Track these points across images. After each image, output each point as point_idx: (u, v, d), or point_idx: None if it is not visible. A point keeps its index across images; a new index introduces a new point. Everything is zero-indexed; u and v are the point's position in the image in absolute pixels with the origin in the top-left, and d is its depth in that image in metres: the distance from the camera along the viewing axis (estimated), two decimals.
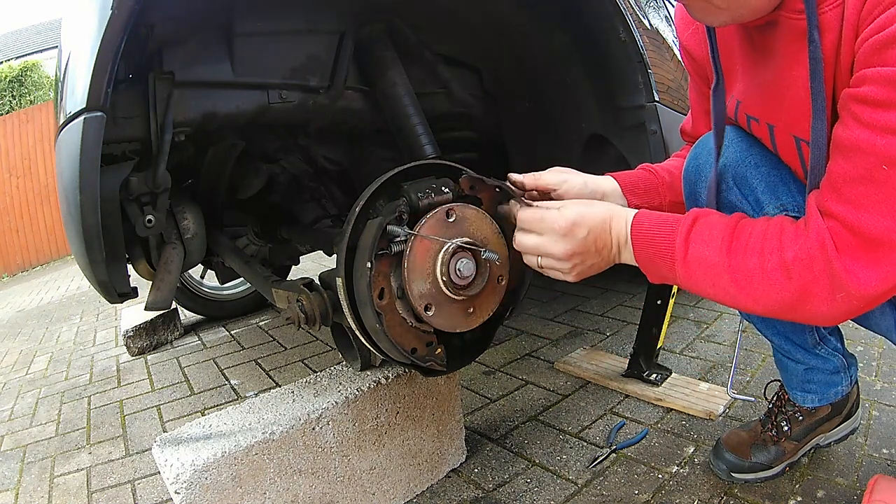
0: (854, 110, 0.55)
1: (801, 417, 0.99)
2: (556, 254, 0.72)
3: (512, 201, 0.80)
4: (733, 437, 1.02)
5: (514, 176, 0.83)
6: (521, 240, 0.76)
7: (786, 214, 0.75)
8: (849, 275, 0.56)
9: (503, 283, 0.87)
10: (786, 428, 0.99)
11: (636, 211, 0.73)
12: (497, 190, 0.84)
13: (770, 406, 1.04)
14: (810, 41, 0.59)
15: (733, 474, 0.99)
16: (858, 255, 0.56)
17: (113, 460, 1.40)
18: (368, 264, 0.76)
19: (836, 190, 0.58)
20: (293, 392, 1.01)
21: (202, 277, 2.51)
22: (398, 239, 0.77)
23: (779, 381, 1.04)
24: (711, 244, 0.65)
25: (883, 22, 0.52)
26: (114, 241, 1.02)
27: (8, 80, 8.79)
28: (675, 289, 1.36)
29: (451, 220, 0.80)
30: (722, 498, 0.97)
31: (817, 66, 0.59)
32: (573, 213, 0.72)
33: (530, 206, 0.76)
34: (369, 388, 1.00)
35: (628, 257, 0.73)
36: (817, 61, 0.59)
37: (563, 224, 0.71)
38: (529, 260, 0.77)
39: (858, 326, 0.82)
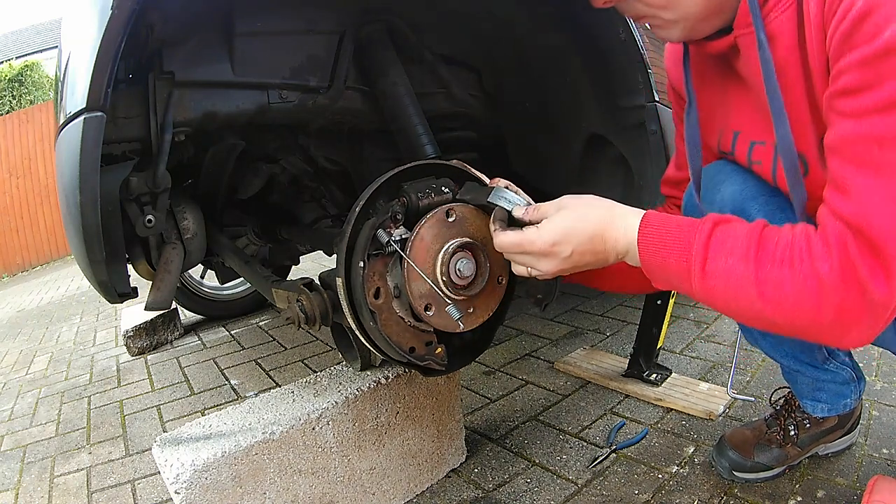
0: (836, 106, 0.54)
1: (808, 425, 1.00)
2: (543, 271, 0.70)
3: (491, 226, 0.75)
4: (737, 435, 1.03)
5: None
6: (505, 256, 0.74)
7: None
8: (874, 280, 0.51)
9: (503, 282, 0.87)
10: (792, 433, 1.00)
11: (641, 214, 0.67)
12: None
13: (778, 409, 1.04)
14: (759, 45, 0.58)
15: (735, 472, 0.99)
16: (871, 256, 0.52)
17: (113, 460, 1.40)
18: (361, 264, 0.77)
19: (839, 188, 0.55)
20: (293, 392, 1.01)
21: (202, 277, 2.51)
22: (388, 243, 0.77)
23: (787, 387, 1.04)
24: (734, 253, 0.58)
25: (845, 9, 0.51)
26: (114, 241, 1.02)
27: (8, 79, 8.78)
28: None
29: (450, 220, 0.80)
30: (722, 498, 0.97)
31: (768, 66, 0.58)
32: (553, 232, 0.67)
33: (519, 226, 0.72)
34: (369, 388, 1.00)
35: (633, 261, 0.68)
36: (767, 62, 0.58)
37: (541, 246, 0.68)
38: (518, 270, 0.74)
39: None
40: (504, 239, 0.71)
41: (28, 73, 8.99)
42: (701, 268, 0.60)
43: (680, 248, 0.62)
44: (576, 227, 0.67)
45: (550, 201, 0.71)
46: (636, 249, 0.65)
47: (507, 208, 0.74)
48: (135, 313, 2.38)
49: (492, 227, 0.75)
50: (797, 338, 0.62)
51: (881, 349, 1.38)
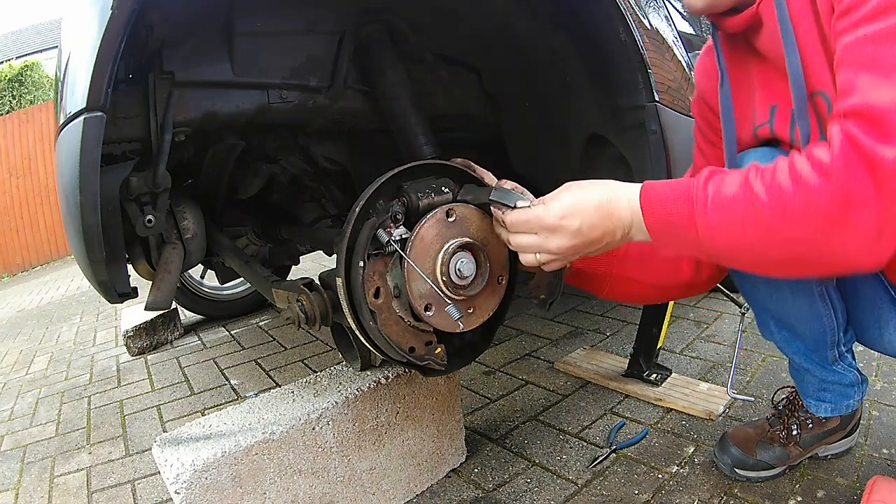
0: (837, 29, 0.59)
1: (811, 425, 1.00)
2: (552, 250, 0.70)
3: (496, 212, 0.77)
4: (740, 432, 1.03)
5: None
6: (514, 240, 0.75)
7: None
8: (878, 147, 0.52)
9: (503, 282, 0.87)
10: (795, 432, 1.00)
11: (638, 186, 0.68)
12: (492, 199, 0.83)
13: (782, 408, 1.05)
14: None
15: (737, 470, 1.00)
16: (873, 129, 0.53)
17: (113, 460, 1.40)
18: (361, 263, 0.77)
19: (842, 94, 0.57)
20: (293, 392, 1.01)
21: (202, 277, 2.51)
22: (388, 242, 0.77)
23: (790, 387, 1.04)
24: (733, 185, 0.60)
25: None
26: (114, 241, 1.02)
27: (8, 79, 8.77)
28: None
29: (451, 219, 0.80)
30: (722, 498, 0.97)
31: (782, 9, 0.66)
32: (560, 206, 0.69)
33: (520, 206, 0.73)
34: (369, 388, 1.00)
35: (639, 234, 0.69)
36: (781, 5, 0.66)
37: (550, 220, 0.69)
38: (527, 259, 0.74)
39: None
40: (514, 217, 0.72)
41: (28, 73, 8.98)
42: (703, 207, 0.61)
43: (681, 198, 0.64)
44: (582, 200, 0.69)
45: (553, 191, 0.73)
46: (640, 215, 0.67)
47: (511, 203, 0.74)
48: (135, 313, 2.38)
49: (498, 213, 0.76)
50: (812, 265, 0.61)
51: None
